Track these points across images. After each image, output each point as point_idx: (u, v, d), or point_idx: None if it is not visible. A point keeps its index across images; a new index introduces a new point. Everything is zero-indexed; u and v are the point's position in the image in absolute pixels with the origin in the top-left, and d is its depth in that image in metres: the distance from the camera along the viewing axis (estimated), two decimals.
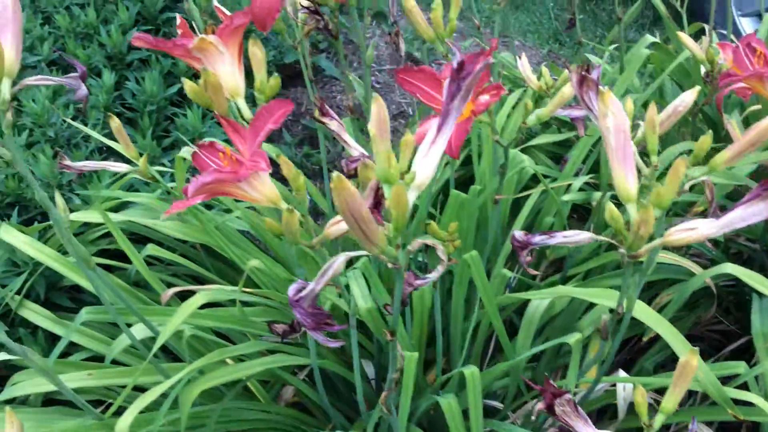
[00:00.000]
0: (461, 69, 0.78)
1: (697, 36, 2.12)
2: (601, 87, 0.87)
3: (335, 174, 0.64)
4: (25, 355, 1.10)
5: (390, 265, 0.77)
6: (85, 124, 2.05)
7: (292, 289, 0.82)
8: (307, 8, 1.28)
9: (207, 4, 1.18)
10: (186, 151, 1.63)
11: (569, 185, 1.71)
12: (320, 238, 1.03)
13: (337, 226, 1.00)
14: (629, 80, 1.68)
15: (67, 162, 1.47)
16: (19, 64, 1.01)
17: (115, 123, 1.44)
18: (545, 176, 1.76)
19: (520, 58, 1.53)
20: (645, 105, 1.85)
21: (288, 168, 1.01)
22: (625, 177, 0.91)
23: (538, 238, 0.94)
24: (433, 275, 0.83)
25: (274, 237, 1.73)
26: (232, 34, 1.01)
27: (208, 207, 2.02)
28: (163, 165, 2.07)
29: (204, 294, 1.24)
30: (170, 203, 1.75)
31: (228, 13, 1.08)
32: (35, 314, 1.61)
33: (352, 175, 1.19)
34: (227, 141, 2.22)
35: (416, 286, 0.84)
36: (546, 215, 1.73)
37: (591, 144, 1.81)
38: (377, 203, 0.94)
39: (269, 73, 1.10)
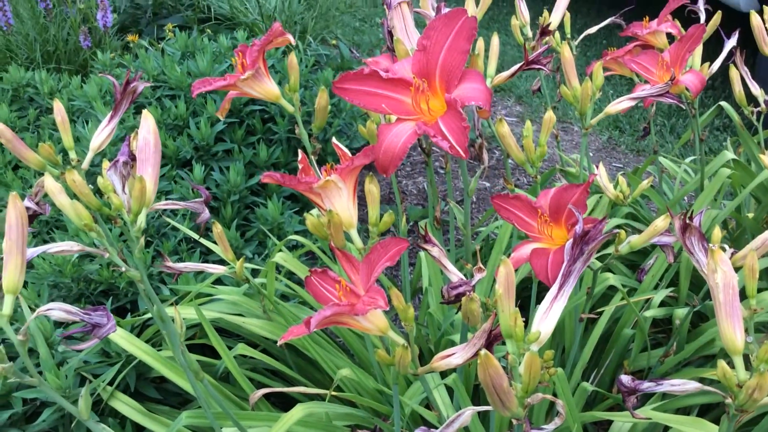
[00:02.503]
0: (585, 235, 0.82)
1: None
2: (711, 246, 0.91)
3: (484, 352, 0.68)
4: None
5: (515, 421, 0.80)
6: (175, 215, 2.16)
7: None
8: None
9: (317, 131, 1.26)
10: (280, 257, 1.70)
11: (648, 299, 1.72)
12: (426, 369, 1.06)
13: (445, 360, 1.03)
14: (709, 197, 1.71)
15: (170, 263, 1.55)
16: (155, 195, 1.10)
17: (217, 229, 1.53)
18: (623, 285, 1.77)
19: (599, 168, 1.58)
20: (725, 222, 1.87)
21: (399, 300, 1.06)
22: (733, 330, 0.93)
23: (645, 385, 0.96)
24: (550, 426, 0.86)
25: (355, 338, 1.78)
26: (351, 172, 1.08)
27: (285, 298, 2.08)
28: (245, 256, 2.15)
29: (301, 408, 1.29)
30: (255, 299, 1.83)
31: (345, 149, 1.16)
32: (125, 406, 1.66)
33: (452, 301, 1.23)
34: (303, 232, 2.30)
35: None
36: (624, 326, 1.74)
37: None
38: (489, 344, 0.99)
39: None
